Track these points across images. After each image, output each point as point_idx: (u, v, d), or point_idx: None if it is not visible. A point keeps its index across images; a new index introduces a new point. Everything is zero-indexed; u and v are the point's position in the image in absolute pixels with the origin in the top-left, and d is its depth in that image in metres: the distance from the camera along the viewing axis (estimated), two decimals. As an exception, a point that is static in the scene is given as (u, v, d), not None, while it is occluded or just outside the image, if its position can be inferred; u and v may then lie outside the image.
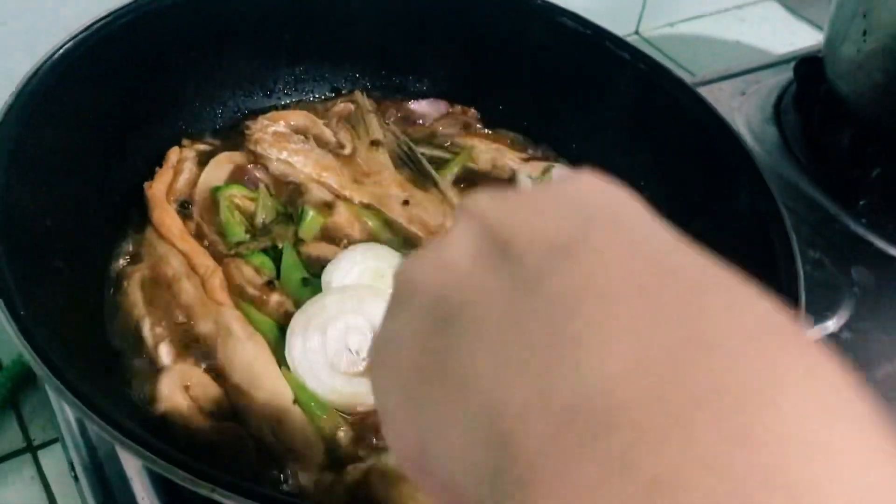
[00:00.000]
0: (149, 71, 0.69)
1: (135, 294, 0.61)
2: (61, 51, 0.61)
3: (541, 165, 0.77)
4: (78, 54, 0.62)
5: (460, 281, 0.26)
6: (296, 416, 0.56)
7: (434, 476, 0.26)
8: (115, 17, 0.66)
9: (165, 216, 0.67)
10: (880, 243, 0.86)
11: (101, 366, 0.56)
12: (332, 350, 0.59)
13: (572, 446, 0.20)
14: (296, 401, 0.56)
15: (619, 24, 1.25)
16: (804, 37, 1.30)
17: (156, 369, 0.57)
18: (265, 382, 0.57)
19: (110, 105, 0.66)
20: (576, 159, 0.78)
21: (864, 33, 0.88)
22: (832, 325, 0.77)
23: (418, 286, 0.27)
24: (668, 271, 0.24)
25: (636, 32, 1.28)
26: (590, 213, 0.26)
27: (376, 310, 0.59)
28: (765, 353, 0.21)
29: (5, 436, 0.69)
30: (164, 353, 0.58)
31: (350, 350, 0.59)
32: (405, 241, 0.71)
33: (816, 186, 0.92)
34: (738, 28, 1.31)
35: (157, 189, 0.69)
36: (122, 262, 0.65)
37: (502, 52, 0.78)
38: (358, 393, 0.58)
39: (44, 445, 0.69)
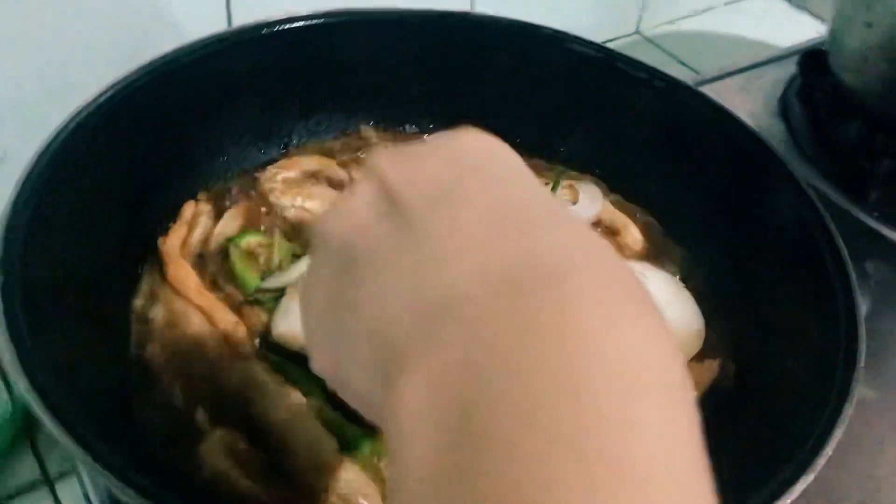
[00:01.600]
0: (163, 130, 0.70)
1: (160, 356, 0.61)
2: (78, 118, 0.62)
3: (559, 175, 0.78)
4: (94, 120, 0.63)
5: (359, 229, 0.32)
6: (347, 463, 0.55)
7: (348, 385, 0.33)
8: (129, 81, 0.67)
9: (180, 271, 0.67)
10: (893, 235, 0.87)
11: (125, 423, 0.56)
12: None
13: (432, 333, 0.27)
14: (341, 449, 0.56)
15: (620, 23, 1.27)
16: (805, 28, 1.30)
17: (191, 432, 0.57)
18: (305, 436, 0.56)
19: (126, 167, 0.67)
20: (601, 179, 0.80)
21: (869, 25, 0.89)
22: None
23: (327, 236, 0.34)
24: (516, 210, 0.30)
25: (637, 31, 1.29)
26: (465, 164, 0.32)
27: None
28: (581, 288, 0.27)
29: (22, 468, 0.69)
30: (201, 417, 0.58)
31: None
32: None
33: (826, 181, 0.93)
34: (740, 22, 1.32)
35: (171, 244, 0.69)
36: (142, 322, 0.64)
37: (515, 82, 0.79)
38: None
39: (60, 477, 0.69)
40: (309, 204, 0.75)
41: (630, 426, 0.23)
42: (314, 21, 0.76)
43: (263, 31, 0.75)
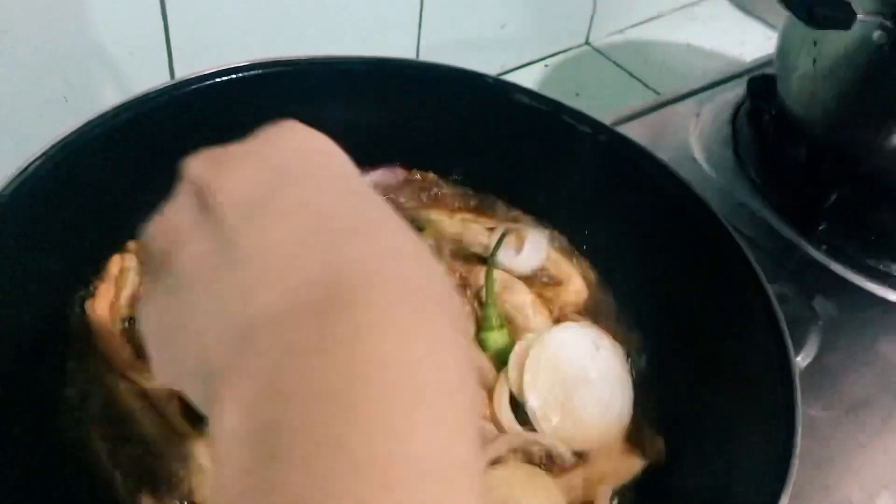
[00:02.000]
0: (98, 190, 0.68)
1: (96, 445, 0.58)
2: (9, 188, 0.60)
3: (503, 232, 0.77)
4: (25, 188, 0.61)
5: (177, 239, 0.32)
6: None
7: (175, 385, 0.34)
8: (66, 143, 0.64)
9: (111, 342, 0.63)
10: (841, 270, 0.87)
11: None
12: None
13: (241, 360, 0.28)
14: None
15: (568, 34, 1.25)
16: (754, 34, 1.30)
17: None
18: None
19: (57, 226, 0.65)
20: (546, 227, 0.79)
21: (815, 61, 0.89)
22: (800, 361, 0.79)
23: (152, 247, 0.33)
24: (328, 220, 0.30)
25: (587, 42, 1.27)
26: (284, 168, 0.32)
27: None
28: (382, 309, 0.28)
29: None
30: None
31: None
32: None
33: (775, 212, 0.93)
34: (689, 28, 1.31)
35: (101, 309, 0.65)
36: (76, 409, 0.61)
37: (460, 128, 0.77)
38: None
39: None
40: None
41: (403, 434, 0.26)
42: (255, 71, 0.74)
43: (205, 83, 0.72)
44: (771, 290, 0.64)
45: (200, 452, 0.58)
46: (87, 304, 0.65)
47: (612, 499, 0.62)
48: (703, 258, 0.69)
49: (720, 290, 0.67)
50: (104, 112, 0.67)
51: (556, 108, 0.73)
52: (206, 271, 0.31)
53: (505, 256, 0.75)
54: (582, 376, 0.66)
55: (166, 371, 0.34)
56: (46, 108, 0.84)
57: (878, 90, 0.85)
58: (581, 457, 0.64)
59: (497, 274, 0.73)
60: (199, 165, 0.34)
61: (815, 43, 0.87)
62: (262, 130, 0.36)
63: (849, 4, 0.76)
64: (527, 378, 0.65)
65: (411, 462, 0.26)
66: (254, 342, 0.28)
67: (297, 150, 0.34)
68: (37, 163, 0.63)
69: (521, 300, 0.73)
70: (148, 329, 0.34)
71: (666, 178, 0.70)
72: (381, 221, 0.32)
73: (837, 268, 0.88)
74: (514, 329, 0.71)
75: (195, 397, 0.32)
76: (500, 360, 0.68)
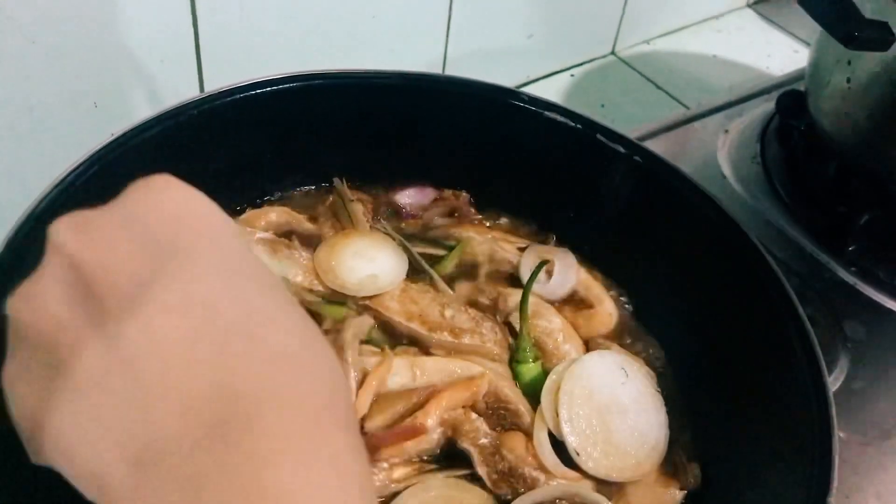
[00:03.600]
0: None
1: None
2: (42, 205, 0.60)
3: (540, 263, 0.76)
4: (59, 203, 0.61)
5: (57, 324, 0.30)
6: None
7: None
8: (101, 154, 0.65)
9: None
10: (871, 293, 0.87)
11: None
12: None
13: (141, 488, 0.27)
14: None
15: (595, 44, 1.25)
16: (781, 46, 1.29)
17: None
18: None
19: None
20: (576, 248, 0.78)
21: (848, 80, 0.88)
22: (831, 384, 0.79)
23: (27, 329, 0.30)
24: (215, 319, 0.30)
25: (613, 52, 1.27)
26: (159, 247, 0.31)
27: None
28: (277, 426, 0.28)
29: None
30: None
31: None
32: (402, 339, 0.71)
33: (804, 231, 0.92)
34: (715, 40, 1.30)
35: None
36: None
37: (489, 146, 0.77)
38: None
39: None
40: (288, 271, 0.73)
41: None
42: (284, 85, 0.74)
43: (236, 97, 0.72)
44: (804, 315, 0.64)
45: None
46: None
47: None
48: (736, 282, 0.68)
49: (753, 314, 0.66)
50: (136, 125, 0.67)
51: (589, 126, 0.73)
52: (94, 368, 0.29)
53: (535, 282, 0.74)
54: (615, 403, 0.66)
55: (58, 456, 0.30)
56: (77, 114, 0.84)
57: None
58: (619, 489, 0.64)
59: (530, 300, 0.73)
60: (69, 233, 0.31)
61: (849, 62, 0.86)
62: (133, 189, 0.34)
63: (887, 26, 0.75)
64: (562, 413, 0.64)
65: None
66: (155, 466, 0.27)
67: (173, 217, 0.32)
68: (71, 177, 0.63)
69: (552, 326, 0.72)
70: (21, 399, 0.31)
71: (701, 200, 0.69)
72: (267, 312, 0.32)
73: (867, 290, 0.87)
74: (544, 354, 0.71)
75: (88, 494, 0.30)
76: (534, 391, 0.68)
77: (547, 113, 0.74)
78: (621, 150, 0.72)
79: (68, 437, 0.29)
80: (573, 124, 0.73)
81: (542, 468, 0.64)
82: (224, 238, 0.33)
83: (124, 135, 0.66)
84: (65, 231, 0.31)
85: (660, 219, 0.72)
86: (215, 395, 0.28)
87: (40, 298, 0.31)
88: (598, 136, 0.72)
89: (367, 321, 0.71)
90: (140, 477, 0.28)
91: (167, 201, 0.33)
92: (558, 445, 0.65)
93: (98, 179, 0.64)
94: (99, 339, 0.29)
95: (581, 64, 1.24)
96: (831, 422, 0.57)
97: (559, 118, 0.73)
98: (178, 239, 0.31)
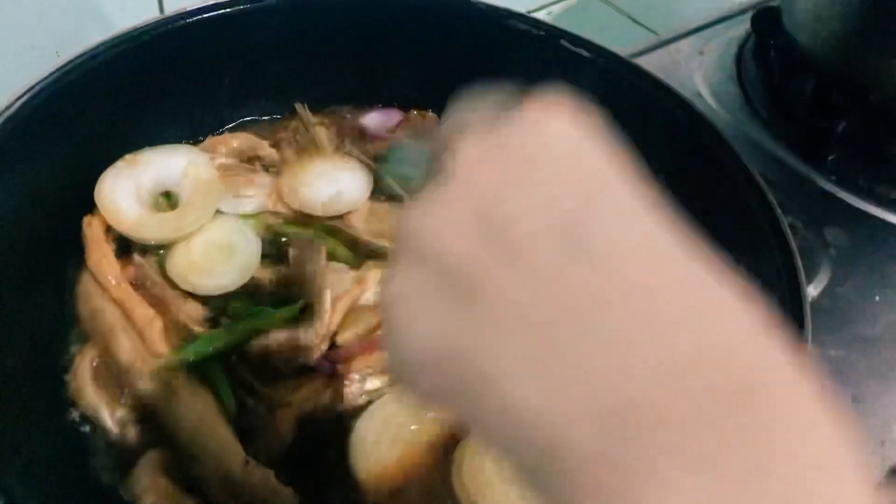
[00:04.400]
0: (92, 122, 0.68)
1: (83, 376, 0.58)
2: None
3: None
4: (19, 117, 0.61)
5: (470, 257, 0.28)
6: (252, 471, 0.54)
7: (471, 426, 0.29)
8: (56, 77, 0.65)
9: (102, 259, 0.64)
10: (851, 199, 0.85)
11: (72, 472, 0.54)
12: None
13: (617, 443, 0.24)
14: (247, 461, 0.54)
15: (570, -18, 1.23)
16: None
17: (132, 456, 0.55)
18: (212, 445, 0.54)
19: (61, 147, 0.65)
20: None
21: (819, -16, 0.86)
22: (812, 291, 0.77)
23: (429, 248, 0.29)
24: (666, 267, 0.27)
25: (588, -10, 1.25)
26: (579, 192, 0.28)
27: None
28: (768, 370, 0.25)
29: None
30: (134, 435, 0.56)
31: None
32: (369, 256, 0.70)
33: (783, 145, 0.91)
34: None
35: (97, 226, 0.66)
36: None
37: (450, 60, 0.76)
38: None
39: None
40: (247, 192, 0.72)
41: None
42: (240, 6, 0.73)
43: (190, 19, 0.71)
44: (778, 210, 0.62)
45: (170, 375, 0.58)
46: (86, 219, 0.66)
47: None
48: (709, 180, 0.67)
49: (727, 212, 0.65)
50: (88, 49, 0.67)
51: (552, 32, 0.71)
52: (526, 312, 0.26)
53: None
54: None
55: (445, 393, 0.29)
56: (39, 64, 0.83)
57: (885, 13, 0.83)
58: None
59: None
60: (481, 163, 0.30)
61: (819, -34, 0.85)
62: (527, 117, 0.31)
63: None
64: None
65: None
66: (644, 432, 0.24)
67: (579, 156, 0.30)
68: (17, 104, 0.62)
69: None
70: (417, 329, 0.29)
71: (670, 100, 0.68)
72: (706, 268, 0.28)
73: (847, 197, 0.86)
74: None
75: (499, 444, 0.28)
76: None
77: (509, 21, 0.72)
78: (585, 54, 0.71)
79: (513, 378, 0.26)
80: (536, 31, 0.72)
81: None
82: (631, 182, 0.30)
83: (75, 59, 0.66)
84: (479, 161, 0.30)
85: (631, 122, 0.70)
86: (706, 360, 0.24)
87: (451, 225, 0.29)
88: (562, 41, 0.71)
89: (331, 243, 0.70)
90: (627, 438, 0.24)
91: (567, 136, 0.31)
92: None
93: (48, 108, 0.64)
94: (527, 279, 0.27)
95: (558, 1, 1.22)
96: (805, 320, 0.56)
97: (521, 26, 0.72)
98: (593, 179, 0.29)
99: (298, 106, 0.79)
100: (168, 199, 0.71)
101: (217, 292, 0.64)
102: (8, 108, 0.61)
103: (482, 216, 0.28)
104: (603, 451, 0.24)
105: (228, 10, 0.71)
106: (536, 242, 0.27)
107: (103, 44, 0.67)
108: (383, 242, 0.70)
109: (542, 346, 0.26)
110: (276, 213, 0.71)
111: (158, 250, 0.67)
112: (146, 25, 0.69)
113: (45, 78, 0.64)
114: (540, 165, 0.29)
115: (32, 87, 0.63)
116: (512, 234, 0.28)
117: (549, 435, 0.25)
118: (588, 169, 0.30)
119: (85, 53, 0.66)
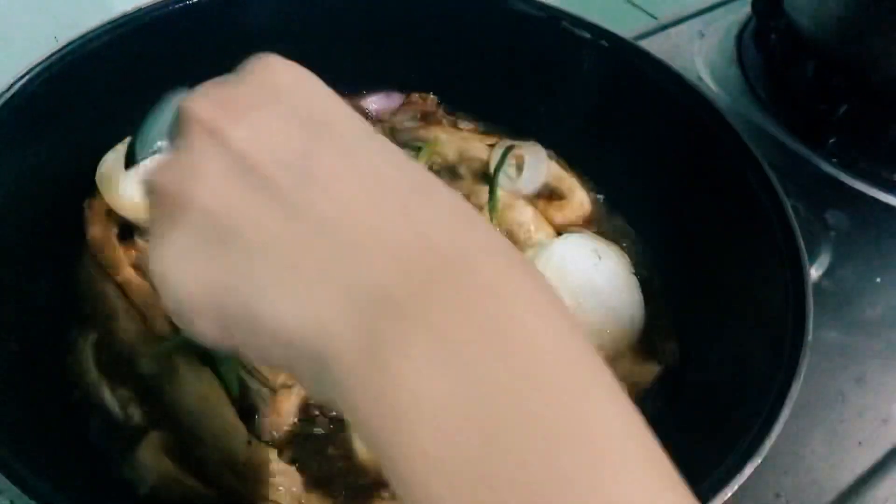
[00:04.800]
0: (87, 107, 0.68)
1: (85, 358, 0.58)
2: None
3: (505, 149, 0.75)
4: (16, 100, 0.61)
5: (225, 202, 0.30)
6: (255, 451, 0.54)
7: (256, 353, 0.32)
8: (51, 63, 0.64)
9: (104, 242, 0.64)
10: (853, 182, 0.85)
11: (75, 453, 0.54)
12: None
13: (371, 338, 0.27)
14: (250, 441, 0.54)
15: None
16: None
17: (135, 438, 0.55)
18: (215, 425, 0.55)
19: (61, 130, 0.65)
20: (548, 144, 0.76)
21: (821, -35, 0.86)
22: (814, 274, 0.77)
23: (183, 202, 0.31)
24: (383, 181, 0.31)
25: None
26: (303, 122, 0.32)
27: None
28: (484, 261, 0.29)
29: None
30: (137, 416, 0.56)
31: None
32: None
33: (783, 128, 0.91)
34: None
35: (99, 209, 0.66)
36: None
37: (451, 43, 0.75)
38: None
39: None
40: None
41: (586, 419, 0.26)
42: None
43: (189, 2, 0.71)
44: (782, 192, 0.62)
45: (173, 355, 0.58)
46: (87, 203, 0.66)
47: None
48: (711, 165, 0.67)
49: (727, 193, 0.65)
50: (85, 33, 0.66)
51: (553, 13, 0.71)
52: (281, 235, 0.30)
53: (506, 178, 0.73)
54: (589, 284, 0.64)
55: (221, 326, 0.32)
56: (37, 49, 0.83)
57: (887, -5, 0.82)
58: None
59: (499, 193, 0.72)
60: (210, 111, 0.32)
61: (820, -53, 0.84)
62: (253, 65, 0.35)
63: None
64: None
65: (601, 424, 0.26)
66: (390, 315, 0.27)
67: (304, 92, 0.34)
68: (17, 86, 0.62)
69: (523, 217, 0.72)
70: (185, 280, 0.32)
71: (672, 82, 0.67)
72: (425, 176, 0.33)
73: (848, 180, 0.86)
74: (517, 245, 0.70)
75: (277, 359, 0.31)
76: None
77: (510, 3, 0.72)
78: (587, 35, 0.70)
79: (272, 301, 0.29)
80: (537, 13, 0.72)
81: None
82: (344, 108, 0.34)
83: (74, 41, 0.65)
84: (207, 107, 0.32)
85: (632, 106, 0.71)
86: (423, 245, 0.28)
87: (197, 174, 0.31)
88: (564, 23, 0.71)
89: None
90: (374, 321, 0.27)
91: (291, 77, 0.34)
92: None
93: (47, 90, 0.63)
94: (275, 209, 0.30)
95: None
96: (806, 301, 0.55)
97: (523, 7, 0.72)
98: (318, 113, 0.32)
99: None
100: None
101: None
102: (7, 90, 0.61)
103: (225, 163, 0.31)
104: (360, 349, 0.27)
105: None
106: (277, 175, 0.30)
107: (102, 26, 0.67)
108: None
109: (292, 268, 0.29)
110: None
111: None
112: (145, 8, 0.69)
113: (45, 60, 0.64)
114: (272, 104, 0.32)
115: (31, 70, 0.63)
116: (256, 171, 0.30)
117: (316, 346, 0.28)
118: (316, 105, 0.33)
119: (84, 36, 0.66)
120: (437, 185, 0.32)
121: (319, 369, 0.29)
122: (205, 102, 0.33)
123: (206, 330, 0.33)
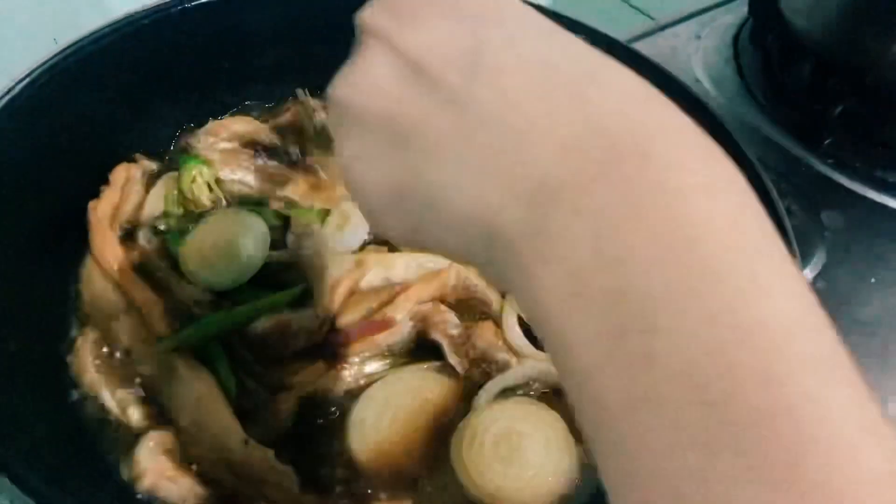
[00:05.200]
0: (92, 109, 0.68)
1: (85, 358, 0.59)
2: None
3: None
4: (18, 101, 0.62)
5: (396, 102, 0.32)
6: (252, 451, 0.54)
7: (436, 247, 0.34)
8: (54, 62, 0.65)
9: (106, 244, 0.64)
10: (848, 183, 0.86)
11: (73, 453, 0.55)
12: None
13: (546, 224, 0.28)
14: (247, 441, 0.55)
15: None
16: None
17: (133, 437, 0.55)
18: (213, 424, 0.55)
19: (62, 132, 0.66)
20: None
21: (817, -32, 0.86)
22: (808, 274, 0.78)
23: (361, 110, 0.33)
24: (554, 72, 0.31)
25: (585, -25, 1.24)
26: (471, 20, 0.32)
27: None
28: (640, 110, 0.29)
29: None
30: (136, 417, 0.56)
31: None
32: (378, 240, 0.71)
33: (780, 129, 0.91)
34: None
35: (102, 211, 0.66)
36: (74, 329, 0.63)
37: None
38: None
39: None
40: (248, 178, 0.73)
41: (754, 293, 0.26)
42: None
43: (189, 4, 0.72)
44: (775, 190, 0.63)
45: (170, 356, 0.59)
46: (90, 204, 0.67)
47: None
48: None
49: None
50: (87, 34, 0.67)
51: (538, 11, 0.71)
52: (450, 129, 0.31)
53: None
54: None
55: (404, 223, 0.34)
56: (36, 52, 0.84)
57: (882, -2, 0.83)
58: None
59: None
60: (382, 20, 0.33)
61: (816, -50, 0.85)
62: None
63: None
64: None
65: (770, 320, 0.25)
66: (550, 205, 0.28)
67: None
68: (18, 87, 0.62)
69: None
70: (369, 185, 0.34)
71: (667, 85, 0.67)
72: (601, 62, 0.32)
73: (844, 180, 0.86)
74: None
75: (456, 249, 0.32)
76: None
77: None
78: (581, 38, 0.70)
79: (448, 194, 0.31)
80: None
81: (512, 351, 0.63)
82: (518, 4, 0.34)
83: (75, 43, 0.66)
84: (379, 17, 0.33)
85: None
86: (594, 135, 0.29)
87: (372, 81, 0.33)
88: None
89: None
90: (539, 213, 0.28)
91: None
92: (530, 333, 0.64)
93: (48, 92, 0.64)
94: (446, 107, 0.31)
95: (553, -13, 1.21)
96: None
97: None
98: (480, 6, 0.33)
99: (300, 91, 0.79)
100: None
101: (218, 288, 0.65)
102: (7, 92, 0.62)
103: (397, 68, 0.32)
104: (527, 225, 0.28)
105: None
106: (446, 74, 0.31)
107: (101, 29, 0.68)
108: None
109: (464, 162, 0.30)
110: (277, 197, 0.72)
111: (166, 234, 0.68)
112: (144, 10, 0.69)
113: (45, 62, 0.64)
114: (436, 4, 0.33)
115: (32, 72, 0.63)
116: (425, 73, 0.31)
117: (486, 224, 0.30)
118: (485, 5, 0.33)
119: (84, 38, 0.67)
120: (608, 67, 0.32)
121: (490, 251, 0.30)
122: (375, 11, 0.34)
123: (392, 224, 0.35)
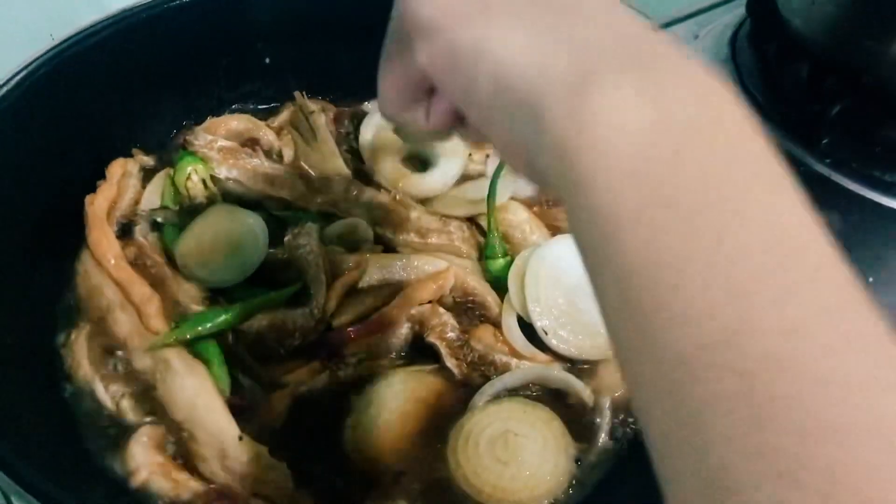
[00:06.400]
0: (88, 103, 0.69)
1: (80, 352, 0.58)
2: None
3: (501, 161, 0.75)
4: (14, 96, 0.62)
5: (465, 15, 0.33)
6: (246, 448, 0.54)
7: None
8: (49, 57, 0.65)
9: (102, 238, 0.64)
10: (845, 182, 0.85)
11: (67, 447, 0.54)
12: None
13: (591, 74, 0.30)
14: (241, 437, 0.54)
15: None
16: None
17: (127, 432, 0.55)
18: (207, 420, 0.55)
19: (59, 126, 0.66)
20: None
21: (815, -32, 0.86)
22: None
23: (427, 17, 0.34)
24: None
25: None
26: None
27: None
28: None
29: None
30: (129, 410, 0.56)
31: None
32: (376, 241, 0.71)
33: (777, 128, 0.91)
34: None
35: (99, 206, 0.66)
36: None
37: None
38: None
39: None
40: (245, 177, 0.72)
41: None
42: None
43: (171, 4, 0.72)
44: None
45: (166, 351, 0.58)
46: (87, 199, 0.67)
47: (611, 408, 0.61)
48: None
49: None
50: (82, 29, 0.67)
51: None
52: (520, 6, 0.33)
53: (504, 184, 0.73)
54: (584, 285, 0.64)
55: (442, 54, 0.34)
56: (33, 46, 0.83)
57: (880, -3, 0.83)
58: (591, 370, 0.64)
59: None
60: None
61: (814, -50, 0.84)
62: None
63: None
64: (529, 294, 0.63)
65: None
66: (598, 67, 0.30)
67: None
68: (14, 80, 0.62)
69: (518, 218, 0.72)
70: (442, 65, 0.35)
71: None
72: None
73: (841, 180, 0.85)
74: (512, 247, 0.70)
75: (483, 96, 0.33)
76: (504, 284, 0.67)
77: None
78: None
79: (502, 44, 0.32)
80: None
81: (512, 353, 0.63)
82: None
83: (71, 37, 0.66)
84: None
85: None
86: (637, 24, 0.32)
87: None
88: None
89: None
90: (589, 70, 0.30)
91: None
92: (529, 334, 0.64)
93: (44, 86, 0.64)
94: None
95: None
96: None
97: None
98: None
99: (297, 94, 0.78)
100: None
101: (215, 286, 0.65)
102: (3, 86, 0.62)
103: None
104: (572, 88, 0.30)
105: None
106: None
107: (98, 23, 0.68)
108: (381, 227, 0.70)
109: (525, 19, 0.32)
110: (272, 197, 0.71)
111: (163, 229, 0.68)
112: (141, 5, 0.69)
113: (42, 56, 0.64)
114: None
115: (28, 66, 0.63)
116: None
117: (531, 87, 0.31)
118: None
119: (81, 32, 0.67)
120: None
121: (525, 112, 0.31)
122: None
123: (434, 52, 0.35)
